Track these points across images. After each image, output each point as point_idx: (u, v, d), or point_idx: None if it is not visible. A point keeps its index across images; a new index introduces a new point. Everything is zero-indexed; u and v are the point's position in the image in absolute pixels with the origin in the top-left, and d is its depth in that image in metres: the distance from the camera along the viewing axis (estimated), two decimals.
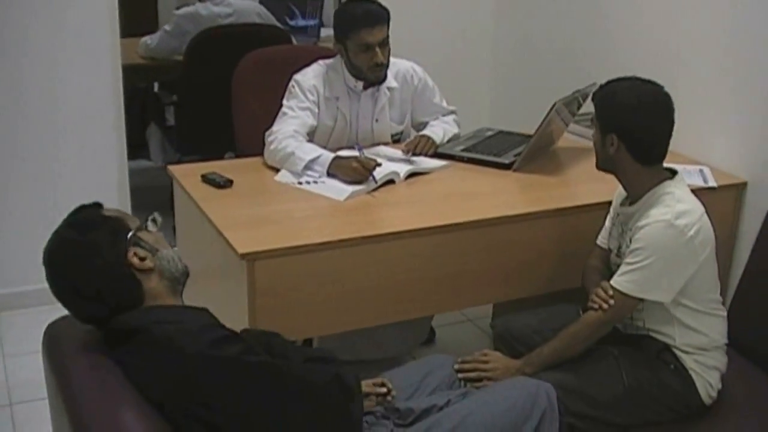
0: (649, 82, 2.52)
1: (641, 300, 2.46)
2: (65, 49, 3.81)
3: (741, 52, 3.22)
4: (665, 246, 2.41)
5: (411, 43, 3.62)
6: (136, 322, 1.85)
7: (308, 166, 3.01)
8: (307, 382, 1.92)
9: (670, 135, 2.51)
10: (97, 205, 2.02)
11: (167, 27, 4.89)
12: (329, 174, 3.00)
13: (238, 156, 3.65)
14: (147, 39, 4.96)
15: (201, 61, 4.54)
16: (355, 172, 2.94)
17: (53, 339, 1.95)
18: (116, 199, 4.00)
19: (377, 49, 3.17)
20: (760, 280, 2.86)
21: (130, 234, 1.94)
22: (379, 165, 2.97)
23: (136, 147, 5.57)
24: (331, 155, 3.04)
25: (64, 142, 3.91)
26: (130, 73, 4.41)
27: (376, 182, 2.96)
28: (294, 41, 4.96)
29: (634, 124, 2.47)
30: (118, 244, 1.92)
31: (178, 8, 5.13)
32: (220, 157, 4.03)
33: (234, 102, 3.68)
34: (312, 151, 3.05)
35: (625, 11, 3.80)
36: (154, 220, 2.03)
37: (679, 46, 3.49)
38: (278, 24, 5.11)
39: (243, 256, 2.47)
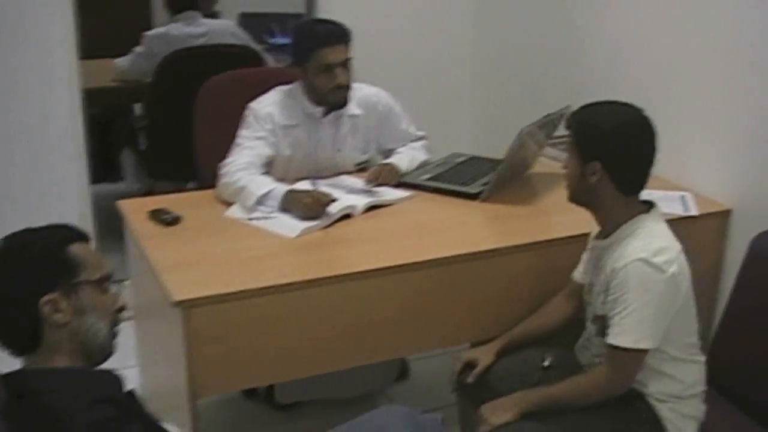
0: (629, 105, 2.35)
1: (644, 351, 2.27)
2: (24, 74, 3.65)
3: (725, 72, 3.04)
4: (646, 287, 2.23)
5: (387, 65, 3.45)
6: (22, 387, 1.70)
7: (260, 201, 2.83)
8: None
9: (652, 162, 2.34)
10: (70, 238, 1.82)
11: (138, 48, 4.74)
12: (283, 209, 2.83)
13: (200, 185, 3.45)
14: (121, 60, 4.82)
15: (168, 83, 4.38)
16: (308, 208, 2.77)
17: None
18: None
19: (338, 70, 3.01)
20: (743, 316, 2.67)
21: (70, 280, 1.76)
22: (335, 200, 2.80)
23: (116, 170, 5.48)
24: (285, 189, 2.87)
25: (22, 171, 3.75)
26: (102, 95, 4.27)
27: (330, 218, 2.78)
28: (271, 60, 4.82)
29: (619, 151, 2.29)
30: (42, 282, 1.74)
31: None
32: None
33: (195, 129, 3.49)
34: (263, 185, 2.87)
35: (602, 34, 3.63)
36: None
37: (659, 67, 3.31)
38: (254, 43, 4.95)
39: (177, 303, 2.29)
